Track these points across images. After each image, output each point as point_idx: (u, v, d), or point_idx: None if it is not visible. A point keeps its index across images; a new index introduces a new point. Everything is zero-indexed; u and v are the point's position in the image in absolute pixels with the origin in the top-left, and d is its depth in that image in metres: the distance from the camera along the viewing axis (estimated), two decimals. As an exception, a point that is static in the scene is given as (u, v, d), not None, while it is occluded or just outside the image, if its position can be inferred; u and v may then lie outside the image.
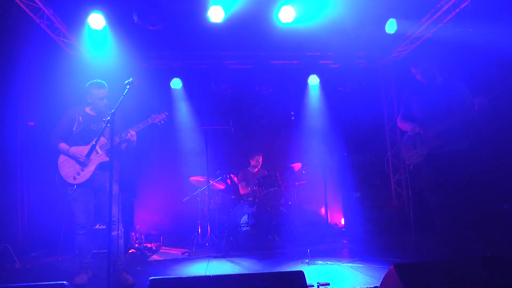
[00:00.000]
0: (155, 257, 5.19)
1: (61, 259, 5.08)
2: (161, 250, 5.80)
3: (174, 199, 7.00)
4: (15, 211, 5.26)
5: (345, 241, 5.98)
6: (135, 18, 5.60)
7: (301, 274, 1.67)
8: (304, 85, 7.90)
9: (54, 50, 6.25)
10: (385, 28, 5.95)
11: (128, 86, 3.25)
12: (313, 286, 2.85)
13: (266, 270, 4.14)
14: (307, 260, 4.29)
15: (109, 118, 2.97)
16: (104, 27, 6.00)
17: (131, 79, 3.34)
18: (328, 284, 2.90)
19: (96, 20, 5.76)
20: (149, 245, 6.06)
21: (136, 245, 5.94)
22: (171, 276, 1.59)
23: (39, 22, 5.53)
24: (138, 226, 6.24)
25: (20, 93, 5.52)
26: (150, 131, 7.16)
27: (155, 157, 7.38)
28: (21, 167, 5.36)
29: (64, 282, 1.73)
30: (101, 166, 3.65)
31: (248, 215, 5.43)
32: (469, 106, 3.38)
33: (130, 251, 5.63)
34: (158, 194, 7.24)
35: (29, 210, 5.54)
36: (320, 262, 4.24)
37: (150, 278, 1.69)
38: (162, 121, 3.79)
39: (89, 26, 5.82)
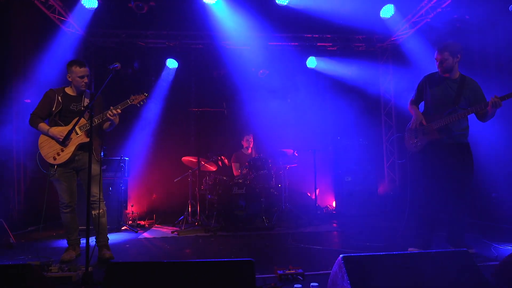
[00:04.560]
0: (145, 235, 5.35)
1: (55, 234, 5.27)
2: (153, 228, 5.97)
3: (168, 178, 7.13)
4: (12, 187, 5.42)
5: (334, 224, 6.07)
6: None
7: (250, 263, 1.75)
8: (301, 67, 7.83)
9: (50, 27, 6.26)
10: (380, 13, 5.84)
11: (112, 72, 3.24)
12: (284, 270, 2.94)
13: (247, 251, 4.27)
14: (289, 242, 4.40)
15: (88, 103, 3.00)
16: (99, 5, 5.99)
17: (116, 64, 3.33)
18: (299, 268, 2.99)
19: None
20: (142, 223, 6.24)
21: (130, 222, 6.13)
22: (127, 261, 1.68)
23: (32, -1, 5.53)
24: (132, 204, 6.40)
25: (15, 70, 5.58)
26: (145, 111, 7.30)
27: (149, 137, 7.48)
28: (17, 144, 5.47)
29: (32, 263, 1.83)
30: (81, 147, 3.68)
31: (237, 196, 5.52)
32: (479, 108, 3.34)
33: (123, 228, 5.81)
34: (152, 174, 7.38)
35: (25, 186, 5.70)
36: (302, 245, 4.34)
37: (109, 262, 1.79)
38: (142, 103, 3.72)
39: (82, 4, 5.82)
